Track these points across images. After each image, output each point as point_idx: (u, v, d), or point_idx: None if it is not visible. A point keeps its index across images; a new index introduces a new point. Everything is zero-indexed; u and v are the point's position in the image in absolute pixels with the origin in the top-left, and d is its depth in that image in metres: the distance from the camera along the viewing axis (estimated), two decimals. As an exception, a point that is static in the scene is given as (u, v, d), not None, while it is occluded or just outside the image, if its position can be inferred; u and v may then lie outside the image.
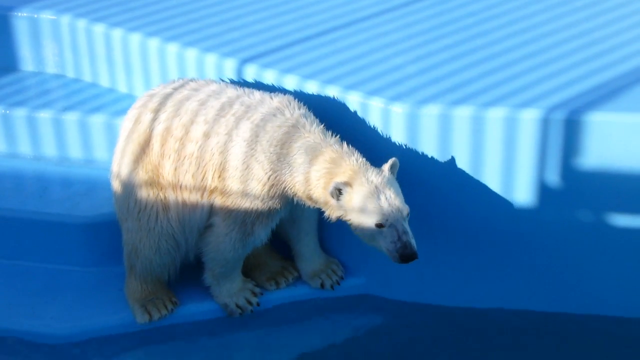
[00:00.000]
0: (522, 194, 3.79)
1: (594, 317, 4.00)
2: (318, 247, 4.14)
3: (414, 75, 4.01)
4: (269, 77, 4.11)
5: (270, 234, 3.85)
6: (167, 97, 3.85)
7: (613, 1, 4.68)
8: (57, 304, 4.05)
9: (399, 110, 3.78)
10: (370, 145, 3.81)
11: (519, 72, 4.01)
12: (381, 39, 4.37)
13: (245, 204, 3.72)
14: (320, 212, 3.72)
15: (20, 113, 4.62)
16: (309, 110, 3.76)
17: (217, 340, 4.00)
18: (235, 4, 4.84)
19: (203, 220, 3.84)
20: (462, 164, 3.79)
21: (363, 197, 3.50)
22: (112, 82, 4.78)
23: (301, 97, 3.91)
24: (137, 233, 3.89)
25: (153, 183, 3.83)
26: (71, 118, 4.57)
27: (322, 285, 4.11)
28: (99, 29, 4.67)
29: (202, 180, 3.76)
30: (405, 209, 3.53)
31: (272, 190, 3.69)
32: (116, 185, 3.95)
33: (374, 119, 3.86)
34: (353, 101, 3.89)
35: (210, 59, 4.29)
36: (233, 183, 3.71)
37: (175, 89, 3.88)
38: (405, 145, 3.81)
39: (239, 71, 4.19)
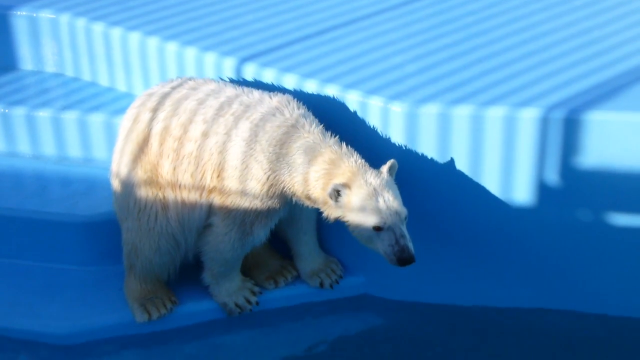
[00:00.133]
0: (521, 192, 3.79)
1: (594, 316, 4.00)
2: (317, 247, 4.14)
3: (413, 74, 4.01)
4: (268, 76, 4.10)
5: (269, 233, 3.85)
6: (165, 96, 3.85)
7: (612, 0, 4.67)
8: (56, 303, 4.05)
9: (398, 109, 3.78)
10: (369, 144, 3.81)
11: (518, 71, 4.00)
12: (380, 38, 4.37)
13: (245, 203, 3.72)
14: (319, 212, 3.71)
15: (19, 112, 4.62)
16: (308, 110, 3.76)
17: (216, 339, 4.00)
18: (235, 2, 4.83)
19: (202, 219, 3.84)
20: (462, 163, 3.79)
21: (361, 200, 3.50)
22: (111, 81, 4.77)
23: (300, 96, 3.91)
24: (137, 233, 3.89)
25: (152, 182, 3.83)
26: (70, 117, 4.57)
27: (321, 285, 4.11)
28: (98, 27, 4.67)
29: (201, 179, 3.76)
30: (404, 212, 3.53)
31: (271, 190, 3.68)
32: (116, 185, 3.95)
33: (373, 118, 3.85)
34: (352, 100, 3.89)
35: (210, 57, 4.29)
36: (232, 183, 3.71)
37: (174, 88, 3.88)
38: (405, 144, 3.81)
39: (238, 70, 4.19)
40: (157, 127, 3.81)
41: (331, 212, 3.61)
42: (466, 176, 3.81)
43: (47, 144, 4.63)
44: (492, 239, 3.95)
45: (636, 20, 4.45)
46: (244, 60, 4.21)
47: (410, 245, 3.52)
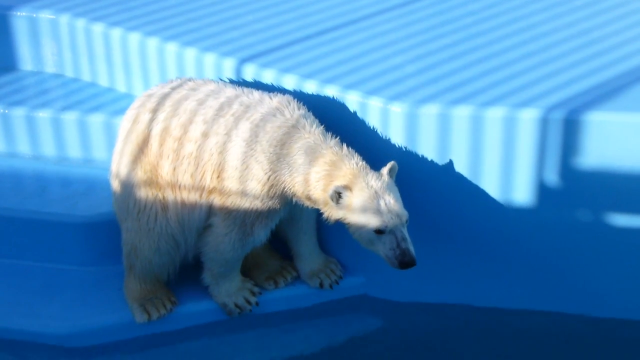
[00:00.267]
0: (521, 193, 3.79)
1: (593, 317, 3.99)
2: (317, 247, 4.13)
3: (413, 75, 4.01)
4: (268, 76, 4.10)
5: (269, 234, 3.85)
6: (165, 97, 3.85)
7: (612, 0, 4.67)
8: (55, 303, 4.05)
9: (398, 109, 3.78)
10: (369, 144, 3.81)
11: (518, 71, 4.00)
12: (380, 39, 4.37)
13: (245, 204, 3.72)
14: (319, 212, 3.71)
15: (19, 112, 4.62)
16: (309, 111, 3.76)
17: (216, 339, 4.00)
18: (234, 3, 4.83)
19: (202, 220, 3.83)
20: (461, 163, 3.79)
21: (363, 202, 3.50)
22: (111, 82, 4.77)
23: (300, 96, 3.91)
24: (137, 233, 3.89)
25: (152, 183, 3.83)
26: (70, 117, 4.57)
27: (321, 285, 4.11)
28: (98, 28, 4.67)
29: (201, 180, 3.76)
30: (405, 215, 3.53)
31: (271, 190, 3.68)
32: (115, 186, 3.95)
33: (373, 119, 3.85)
34: (352, 101, 3.89)
35: (209, 58, 4.29)
36: (232, 183, 3.71)
37: (174, 89, 3.88)
38: (404, 145, 3.81)
39: (238, 70, 4.19)
40: (157, 128, 3.81)
41: (332, 213, 3.61)
42: (466, 176, 3.81)
43: (47, 144, 4.63)
44: (492, 240, 3.95)
45: (636, 21, 4.45)
46: (244, 60, 4.21)
47: (412, 248, 3.53)
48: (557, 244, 3.88)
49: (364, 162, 3.60)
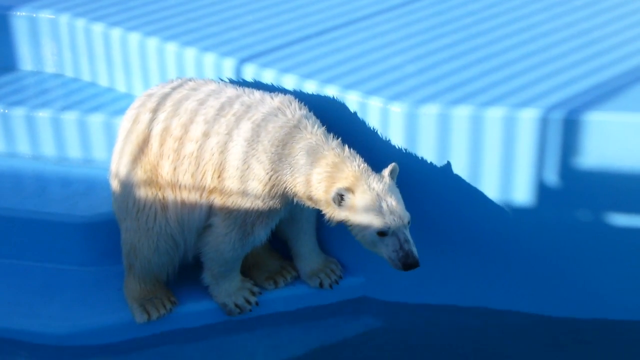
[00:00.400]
0: (521, 193, 3.79)
1: (594, 318, 3.99)
2: (317, 247, 4.14)
3: (412, 75, 4.01)
4: (268, 76, 4.10)
5: (269, 233, 3.85)
6: (165, 97, 3.85)
7: (612, 0, 4.68)
8: (55, 303, 4.05)
9: (397, 109, 3.78)
10: (369, 144, 3.81)
11: (517, 71, 4.00)
12: (380, 39, 4.37)
13: (246, 204, 3.72)
14: (319, 212, 3.71)
15: (19, 112, 4.61)
16: (310, 111, 3.76)
17: (216, 340, 4.00)
18: (234, 3, 4.83)
19: (202, 220, 3.83)
20: (461, 163, 3.79)
21: (365, 205, 3.51)
22: (111, 82, 4.77)
23: (300, 96, 3.91)
24: (136, 233, 3.89)
25: (152, 183, 3.83)
26: (70, 117, 4.56)
27: (321, 285, 4.11)
28: (98, 28, 4.67)
29: (202, 180, 3.76)
30: (407, 217, 3.54)
31: (272, 190, 3.68)
32: (115, 185, 3.95)
33: (373, 119, 3.85)
34: (352, 101, 3.89)
35: (209, 58, 4.29)
36: (233, 183, 3.71)
37: (174, 89, 3.88)
38: (404, 145, 3.81)
39: (238, 70, 4.19)
40: (157, 128, 3.81)
41: (334, 215, 3.61)
42: (465, 177, 3.81)
43: (47, 144, 4.62)
44: (492, 240, 3.95)
45: (636, 21, 4.46)
46: (244, 60, 4.21)
47: (414, 249, 3.54)
48: (557, 245, 3.88)
49: (366, 164, 3.60)
